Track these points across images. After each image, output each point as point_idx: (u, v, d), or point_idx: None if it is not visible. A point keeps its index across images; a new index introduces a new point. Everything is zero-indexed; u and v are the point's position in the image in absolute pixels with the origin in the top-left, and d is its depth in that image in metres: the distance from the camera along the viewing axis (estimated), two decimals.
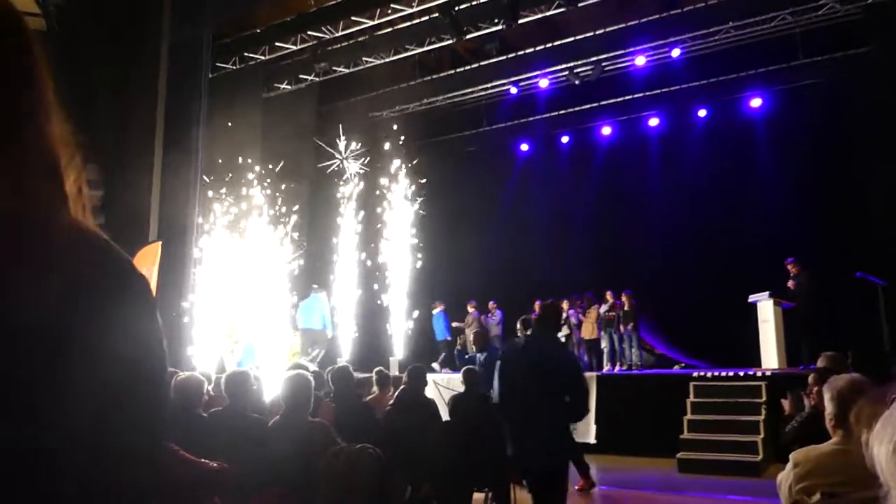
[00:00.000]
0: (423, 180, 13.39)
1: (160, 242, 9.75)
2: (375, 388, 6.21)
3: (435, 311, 13.81)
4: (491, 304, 13.57)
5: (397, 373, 9.35)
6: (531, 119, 14.93)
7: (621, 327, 11.80)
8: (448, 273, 14.45)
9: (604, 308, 12.27)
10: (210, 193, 11.64)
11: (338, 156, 12.55)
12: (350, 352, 12.27)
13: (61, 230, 0.75)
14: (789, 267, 10.18)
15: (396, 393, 4.84)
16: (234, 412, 4.02)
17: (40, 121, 0.78)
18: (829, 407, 2.88)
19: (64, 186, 0.79)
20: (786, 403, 4.68)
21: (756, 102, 13.14)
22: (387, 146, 13.02)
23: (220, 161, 11.78)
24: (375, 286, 12.74)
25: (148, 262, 9.35)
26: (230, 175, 11.76)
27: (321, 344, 11.90)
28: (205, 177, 11.34)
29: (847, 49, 11.78)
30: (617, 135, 14.77)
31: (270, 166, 12.20)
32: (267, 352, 10.79)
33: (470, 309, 13.32)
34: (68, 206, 0.79)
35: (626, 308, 11.74)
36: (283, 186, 12.29)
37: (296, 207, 12.30)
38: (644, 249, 13.57)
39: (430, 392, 10.04)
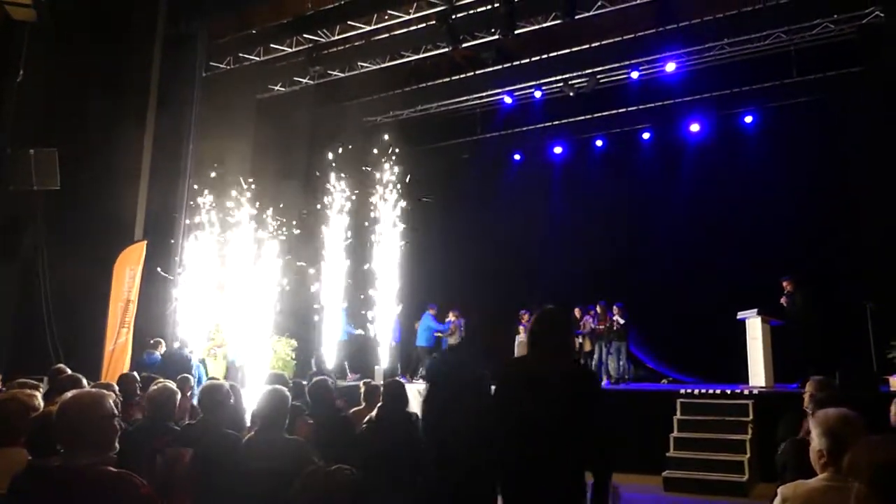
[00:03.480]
0: (413, 185, 13.26)
1: (145, 242, 9.57)
2: (363, 402, 5.97)
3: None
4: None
5: (382, 383, 9.15)
6: (525, 129, 14.81)
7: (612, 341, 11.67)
8: (435, 280, 14.31)
9: (587, 320, 12.15)
10: (200, 198, 11.46)
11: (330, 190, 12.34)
12: (335, 359, 12.11)
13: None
14: (784, 284, 10.08)
15: (374, 411, 4.63)
16: (207, 426, 3.82)
17: None
18: (818, 442, 2.74)
19: None
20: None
21: (749, 119, 13.06)
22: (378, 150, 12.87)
23: (211, 160, 11.62)
24: (362, 296, 12.58)
25: (132, 261, 9.16)
26: (213, 173, 11.57)
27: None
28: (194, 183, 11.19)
29: (841, 68, 11.70)
30: (610, 147, 14.67)
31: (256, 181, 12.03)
32: (250, 359, 10.56)
33: (452, 317, 13.08)
34: None
35: (618, 321, 11.63)
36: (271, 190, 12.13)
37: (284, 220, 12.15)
38: (634, 263, 13.45)
39: (414, 403, 9.97)
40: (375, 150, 12.62)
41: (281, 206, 12.13)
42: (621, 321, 11.59)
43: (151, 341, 9.56)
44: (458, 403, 3.35)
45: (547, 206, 14.92)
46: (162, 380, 4.43)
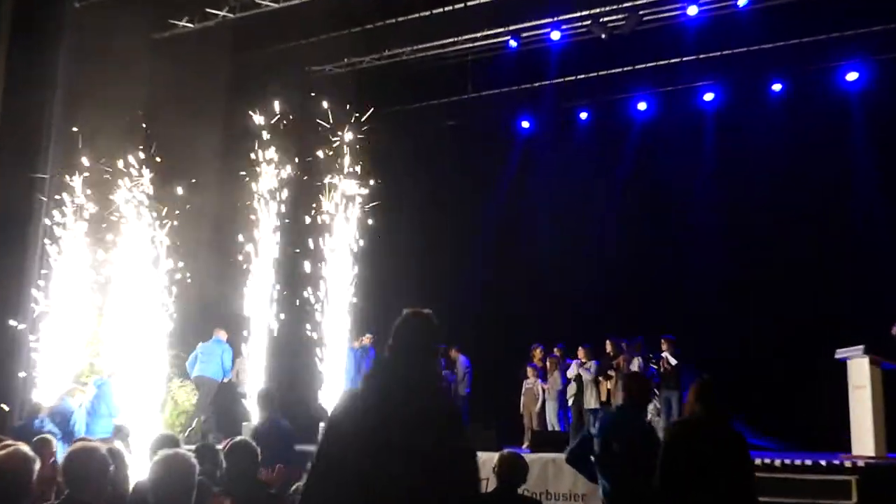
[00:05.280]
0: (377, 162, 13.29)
1: None
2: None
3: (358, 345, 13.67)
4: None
5: None
6: (537, 85, 14.82)
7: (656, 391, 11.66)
8: (408, 297, 14.13)
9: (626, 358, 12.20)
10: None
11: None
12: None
13: None
14: None
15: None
16: None
17: None
18: None
19: None
20: None
21: (852, 76, 13.17)
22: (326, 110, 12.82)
23: (86, 125, 11.55)
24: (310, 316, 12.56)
25: None
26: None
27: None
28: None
29: None
30: (657, 112, 14.73)
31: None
32: (134, 406, 10.55)
33: (453, 354, 13.17)
34: None
35: (668, 360, 11.69)
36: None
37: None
38: (686, 278, 13.54)
39: None
40: (323, 114, 12.58)
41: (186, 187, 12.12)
42: (672, 362, 11.66)
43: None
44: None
45: (566, 196, 14.93)
46: (10, 441, 4.39)
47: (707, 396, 5.02)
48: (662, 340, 11.87)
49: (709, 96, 14.29)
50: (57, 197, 11.35)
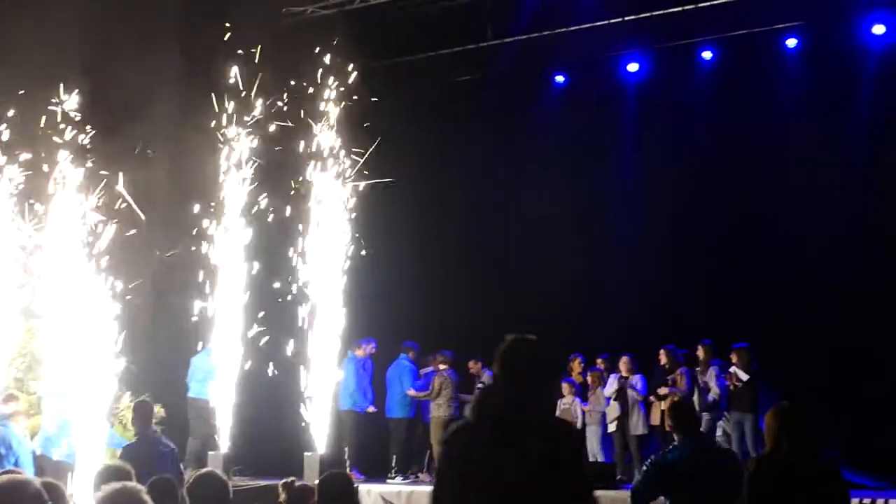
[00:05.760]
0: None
1: None
2: None
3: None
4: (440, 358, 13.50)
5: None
6: (573, 30, 14.57)
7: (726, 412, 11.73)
8: (405, 294, 14.47)
9: (683, 373, 12.21)
10: None
11: None
12: (231, 438, 12.03)
13: None
14: None
15: None
16: None
17: None
18: None
19: None
20: None
21: None
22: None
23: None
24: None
25: None
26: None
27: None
28: None
29: None
30: (726, 63, 14.57)
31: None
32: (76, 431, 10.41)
33: (441, 366, 13.20)
34: None
35: (737, 376, 11.58)
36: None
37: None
38: (766, 270, 13.50)
39: None
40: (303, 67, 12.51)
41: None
42: (743, 377, 11.56)
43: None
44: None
45: (611, 169, 15.00)
46: None
47: (790, 427, 5.17)
48: (733, 351, 11.75)
49: (791, 42, 14.05)
50: None
